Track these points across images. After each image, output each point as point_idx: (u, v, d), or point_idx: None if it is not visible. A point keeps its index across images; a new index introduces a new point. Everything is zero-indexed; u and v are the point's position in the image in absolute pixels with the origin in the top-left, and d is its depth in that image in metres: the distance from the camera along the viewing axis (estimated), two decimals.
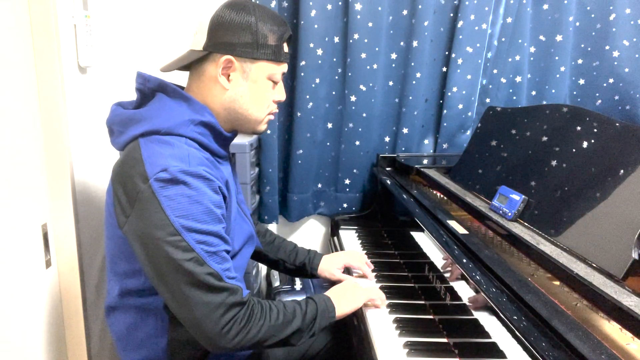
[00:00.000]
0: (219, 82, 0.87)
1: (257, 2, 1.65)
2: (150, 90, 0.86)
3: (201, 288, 0.77)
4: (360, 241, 1.58)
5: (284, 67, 0.93)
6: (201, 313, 0.77)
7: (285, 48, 0.92)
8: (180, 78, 0.98)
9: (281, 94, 0.96)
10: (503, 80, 1.84)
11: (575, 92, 1.86)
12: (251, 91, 0.90)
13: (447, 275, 1.05)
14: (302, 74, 1.72)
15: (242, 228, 0.98)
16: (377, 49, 1.73)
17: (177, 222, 0.75)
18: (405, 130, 1.83)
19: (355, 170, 1.88)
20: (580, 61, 1.83)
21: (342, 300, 0.98)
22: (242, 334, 0.80)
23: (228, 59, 0.86)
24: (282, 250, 1.24)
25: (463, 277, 0.97)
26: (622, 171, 0.92)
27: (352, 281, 1.10)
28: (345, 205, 1.92)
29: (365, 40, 1.71)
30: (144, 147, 0.80)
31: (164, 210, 0.75)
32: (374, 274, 1.27)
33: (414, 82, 1.76)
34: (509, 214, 1.10)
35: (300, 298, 1.75)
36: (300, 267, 1.23)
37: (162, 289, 0.79)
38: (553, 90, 1.82)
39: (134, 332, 0.89)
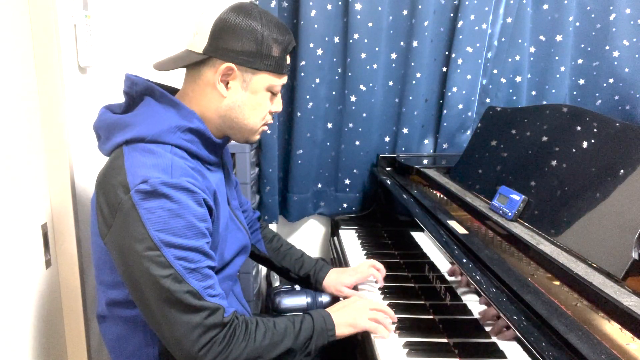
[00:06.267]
0: (216, 88, 0.84)
1: (257, 2, 1.66)
2: (138, 94, 0.83)
3: (179, 307, 0.74)
4: (360, 241, 1.58)
5: (285, 79, 0.89)
6: (179, 332, 0.74)
7: (288, 59, 0.89)
8: (174, 76, 0.97)
9: (278, 106, 0.92)
10: (503, 80, 1.84)
11: (575, 92, 1.86)
12: (249, 101, 0.86)
13: (459, 291, 1.02)
14: (302, 74, 1.72)
15: (236, 237, 0.95)
16: (377, 49, 1.73)
17: (156, 236, 0.72)
18: (405, 130, 1.83)
19: (355, 170, 1.88)
20: (580, 61, 1.83)
21: (344, 319, 0.93)
22: (221, 356, 0.76)
23: (229, 67, 0.82)
24: (288, 259, 1.20)
25: (476, 292, 0.97)
26: (622, 171, 0.92)
27: (358, 298, 1.02)
28: (345, 205, 1.92)
29: (365, 40, 1.71)
30: (127, 156, 0.77)
31: (143, 223, 0.72)
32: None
33: (414, 82, 1.76)
34: (509, 214, 1.10)
35: (300, 298, 1.78)
36: (304, 278, 1.18)
37: (140, 304, 0.77)
38: (553, 90, 1.82)
39: (125, 342, 0.88)
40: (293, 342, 0.84)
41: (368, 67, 1.74)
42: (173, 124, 0.81)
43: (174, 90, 0.92)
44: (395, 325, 1.00)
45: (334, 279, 1.15)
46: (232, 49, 0.81)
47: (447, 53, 1.79)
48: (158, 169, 0.75)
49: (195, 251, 0.76)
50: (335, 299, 1.15)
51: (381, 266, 1.20)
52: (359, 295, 1.13)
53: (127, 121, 0.81)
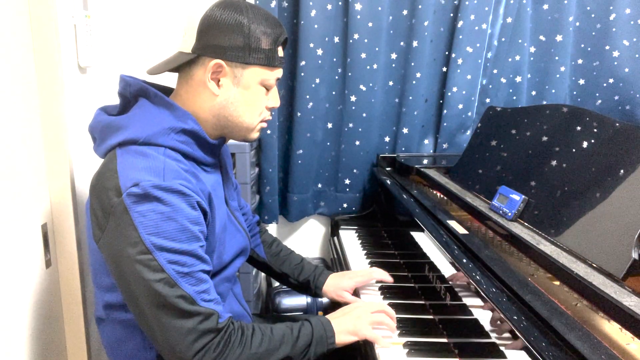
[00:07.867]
0: (208, 87, 0.83)
1: (257, 2, 1.66)
2: (132, 95, 0.82)
3: (171, 311, 0.72)
4: (360, 241, 1.58)
5: (279, 73, 0.88)
6: (172, 338, 0.73)
7: (280, 52, 0.86)
8: (170, 78, 0.97)
9: (275, 101, 0.90)
10: (503, 80, 1.84)
11: (575, 92, 1.86)
12: (242, 97, 0.85)
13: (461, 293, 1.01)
14: (302, 74, 1.72)
15: (235, 239, 0.94)
16: (377, 49, 1.73)
17: (148, 239, 0.71)
18: (405, 130, 1.83)
19: (355, 170, 1.88)
20: (580, 61, 1.83)
21: (345, 327, 0.90)
22: None
23: (218, 64, 0.81)
24: (287, 264, 1.17)
25: (478, 294, 0.97)
26: (622, 171, 0.92)
27: (360, 304, 0.99)
28: (345, 205, 1.92)
29: (365, 40, 1.71)
30: (120, 158, 0.76)
31: (135, 226, 0.71)
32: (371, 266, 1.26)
33: (414, 82, 1.76)
34: (509, 214, 1.10)
35: (300, 298, 1.78)
36: (304, 283, 1.15)
37: (133, 308, 0.76)
38: (553, 90, 1.82)
39: (123, 344, 0.87)
40: (291, 349, 0.83)
41: (368, 67, 1.74)
42: (167, 125, 0.80)
43: (169, 91, 0.91)
44: (396, 325, 1.00)
45: (333, 283, 1.13)
46: (219, 45, 0.80)
47: (447, 53, 1.79)
48: (150, 171, 0.74)
49: (188, 255, 0.75)
50: (335, 302, 1.14)
51: (385, 274, 1.17)
52: (360, 301, 1.10)
53: (121, 123, 0.80)
